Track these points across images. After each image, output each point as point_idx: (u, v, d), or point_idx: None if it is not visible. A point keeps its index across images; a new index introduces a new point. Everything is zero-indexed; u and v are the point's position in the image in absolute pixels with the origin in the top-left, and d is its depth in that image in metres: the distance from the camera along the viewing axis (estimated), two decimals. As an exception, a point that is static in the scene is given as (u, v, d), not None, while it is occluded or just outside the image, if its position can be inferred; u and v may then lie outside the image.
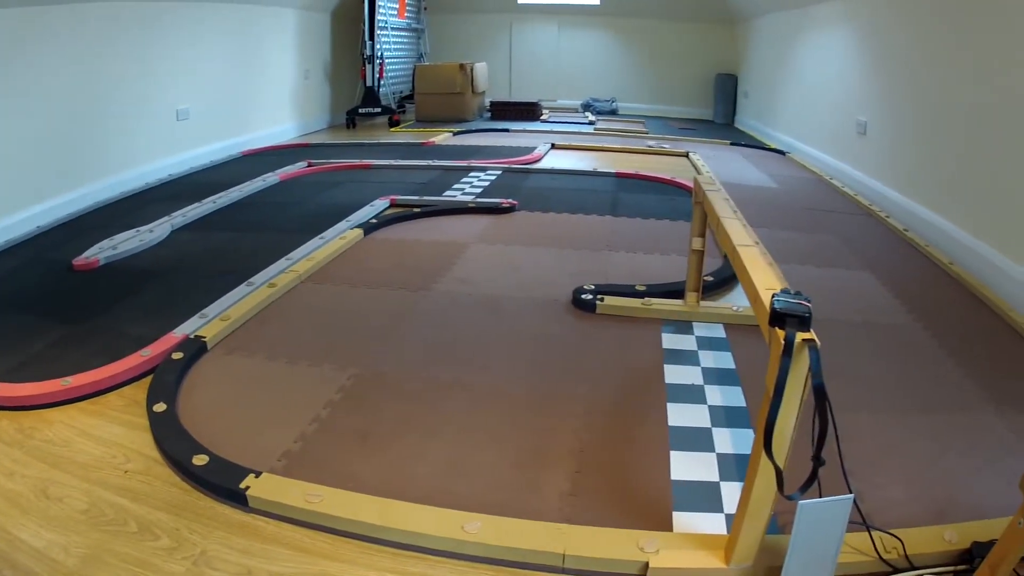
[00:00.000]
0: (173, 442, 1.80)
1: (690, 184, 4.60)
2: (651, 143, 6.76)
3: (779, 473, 1.18)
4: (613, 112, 9.44)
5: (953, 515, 1.57)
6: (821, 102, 5.94)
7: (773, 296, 1.20)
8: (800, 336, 1.12)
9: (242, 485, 1.60)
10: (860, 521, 1.42)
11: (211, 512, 1.58)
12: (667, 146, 6.60)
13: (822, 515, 1.22)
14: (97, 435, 1.88)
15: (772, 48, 7.54)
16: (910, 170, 4.11)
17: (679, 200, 4.41)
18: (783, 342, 1.12)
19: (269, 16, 6.49)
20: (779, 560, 1.30)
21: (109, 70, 4.48)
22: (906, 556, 1.41)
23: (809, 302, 1.18)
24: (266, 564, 1.42)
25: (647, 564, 1.38)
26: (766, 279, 1.40)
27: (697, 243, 2.46)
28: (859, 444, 1.82)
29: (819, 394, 1.12)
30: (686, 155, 6.16)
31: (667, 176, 5.07)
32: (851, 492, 1.23)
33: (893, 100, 4.43)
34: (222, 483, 1.62)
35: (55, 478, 1.69)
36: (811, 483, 1.18)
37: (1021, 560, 1.20)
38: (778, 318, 1.16)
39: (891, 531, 1.46)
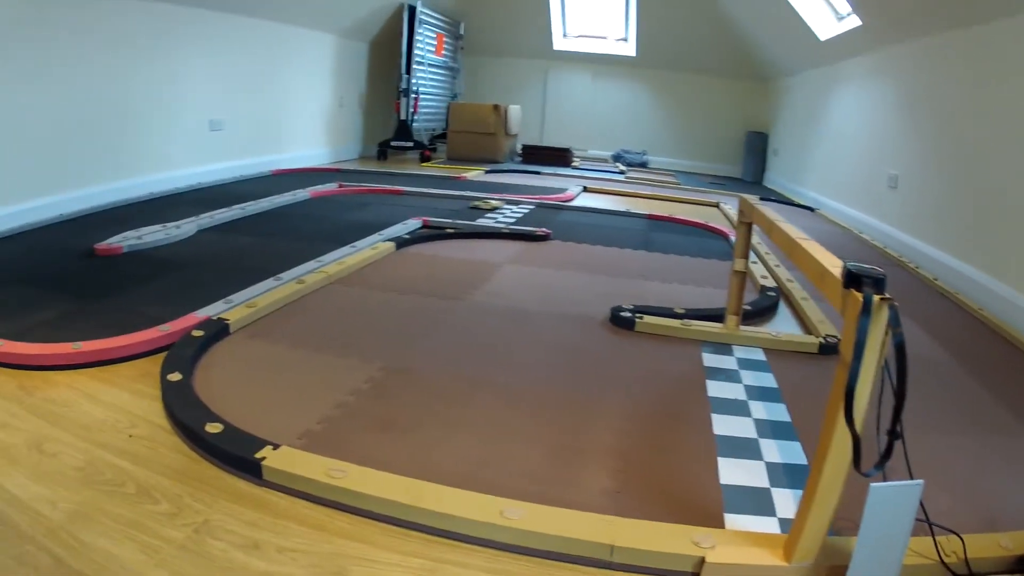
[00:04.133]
0: (185, 409, 1.73)
1: (723, 229, 4.59)
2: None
3: (857, 443, 1.12)
4: (643, 165, 9.44)
5: (1002, 526, 1.50)
6: (851, 157, 5.91)
7: (846, 263, 1.17)
8: (877, 296, 1.08)
9: (257, 455, 1.51)
10: (923, 518, 1.35)
11: (219, 482, 1.50)
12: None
13: (892, 501, 1.15)
14: (103, 400, 1.82)
15: (803, 106, 7.55)
16: (941, 221, 4.06)
17: (711, 242, 4.37)
18: (861, 302, 1.08)
19: (309, 39, 6.57)
20: (840, 560, 1.24)
21: (147, 69, 4.49)
22: (966, 561, 1.33)
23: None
24: (275, 539, 1.33)
25: (703, 560, 1.29)
26: (830, 259, 1.37)
27: (740, 264, 2.41)
28: (895, 459, 1.75)
29: (900, 351, 1.07)
30: (716, 206, 6.13)
31: (699, 221, 5.03)
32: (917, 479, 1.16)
33: (925, 152, 4.39)
34: (235, 452, 1.54)
35: (52, 435, 1.63)
36: (887, 458, 1.12)
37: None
38: (854, 280, 1.12)
39: (952, 530, 1.37)
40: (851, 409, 1.10)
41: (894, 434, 1.12)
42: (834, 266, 1.28)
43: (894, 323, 1.09)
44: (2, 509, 1.35)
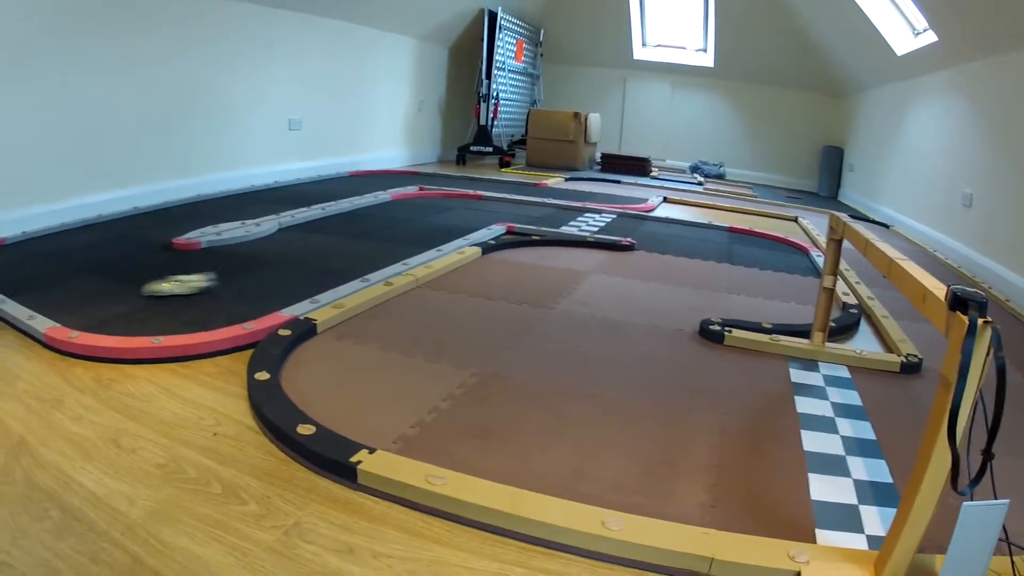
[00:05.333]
0: (275, 409, 1.71)
1: (803, 244, 4.59)
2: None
3: (957, 462, 1.17)
4: (720, 176, 9.39)
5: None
6: (925, 174, 5.84)
7: (950, 286, 1.21)
8: (981, 320, 1.13)
9: (353, 459, 1.51)
10: (1003, 538, 1.38)
11: (310, 484, 1.47)
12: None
13: (980, 520, 1.19)
14: (184, 396, 1.80)
15: (878, 121, 7.45)
16: (1014, 242, 4.01)
17: (793, 257, 4.36)
18: (966, 324, 1.12)
19: (388, 42, 6.64)
20: (927, 578, 1.26)
21: (228, 67, 4.59)
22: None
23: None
24: (370, 544, 1.30)
25: (799, 574, 1.32)
26: (931, 281, 1.39)
27: (828, 281, 2.42)
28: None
29: (1001, 373, 1.12)
30: (795, 220, 6.11)
31: (779, 235, 5.03)
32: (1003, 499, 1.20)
33: (1000, 171, 4.33)
34: (329, 455, 1.52)
35: (130, 429, 1.62)
36: (980, 478, 1.16)
37: None
38: (959, 303, 1.17)
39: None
40: (953, 429, 1.15)
41: (988, 454, 1.17)
42: (937, 288, 1.31)
43: (996, 346, 1.13)
44: (76, 504, 1.33)
